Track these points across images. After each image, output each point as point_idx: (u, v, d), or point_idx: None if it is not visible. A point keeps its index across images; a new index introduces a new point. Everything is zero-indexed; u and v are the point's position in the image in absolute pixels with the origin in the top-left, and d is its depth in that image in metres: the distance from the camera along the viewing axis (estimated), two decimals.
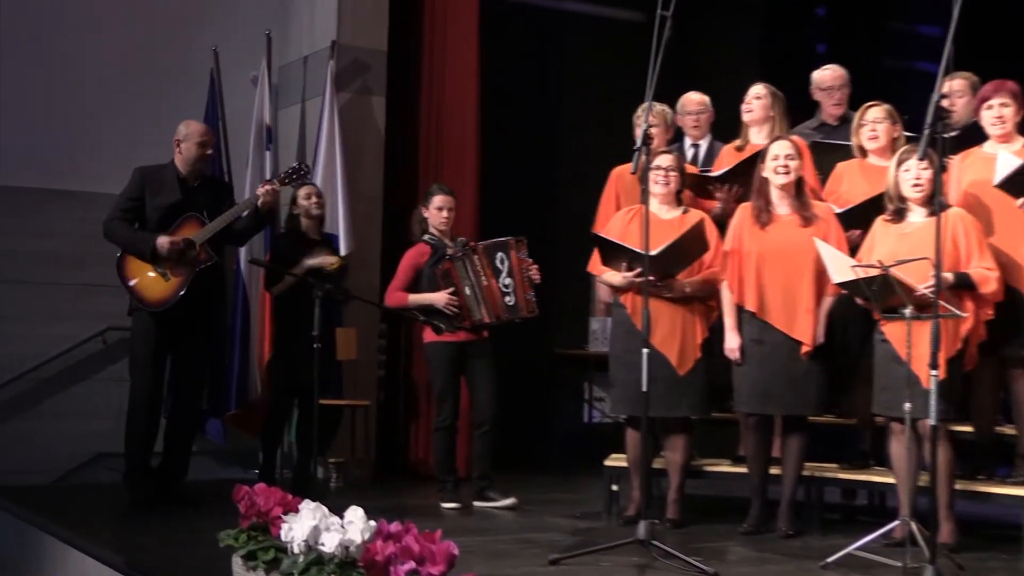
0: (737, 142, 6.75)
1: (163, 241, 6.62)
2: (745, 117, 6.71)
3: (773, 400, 6.01)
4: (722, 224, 6.36)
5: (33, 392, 8.33)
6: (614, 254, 6.12)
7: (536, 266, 6.94)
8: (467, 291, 6.88)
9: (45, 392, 8.37)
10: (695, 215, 6.23)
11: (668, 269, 6.02)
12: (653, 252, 5.88)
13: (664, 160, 6.24)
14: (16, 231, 8.29)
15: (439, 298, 6.87)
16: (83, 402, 8.37)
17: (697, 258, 6.12)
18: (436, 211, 7.06)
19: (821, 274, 5.90)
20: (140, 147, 7.52)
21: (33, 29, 8.50)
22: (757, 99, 6.67)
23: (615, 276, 6.18)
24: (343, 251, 8.11)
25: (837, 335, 6.08)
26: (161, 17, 8.85)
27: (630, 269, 6.05)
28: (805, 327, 5.92)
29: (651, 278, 5.83)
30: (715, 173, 6.58)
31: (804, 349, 5.93)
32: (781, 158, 6.00)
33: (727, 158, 6.71)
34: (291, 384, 7.20)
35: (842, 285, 5.57)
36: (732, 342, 6.07)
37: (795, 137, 6.33)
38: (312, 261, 7.10)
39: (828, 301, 5.96)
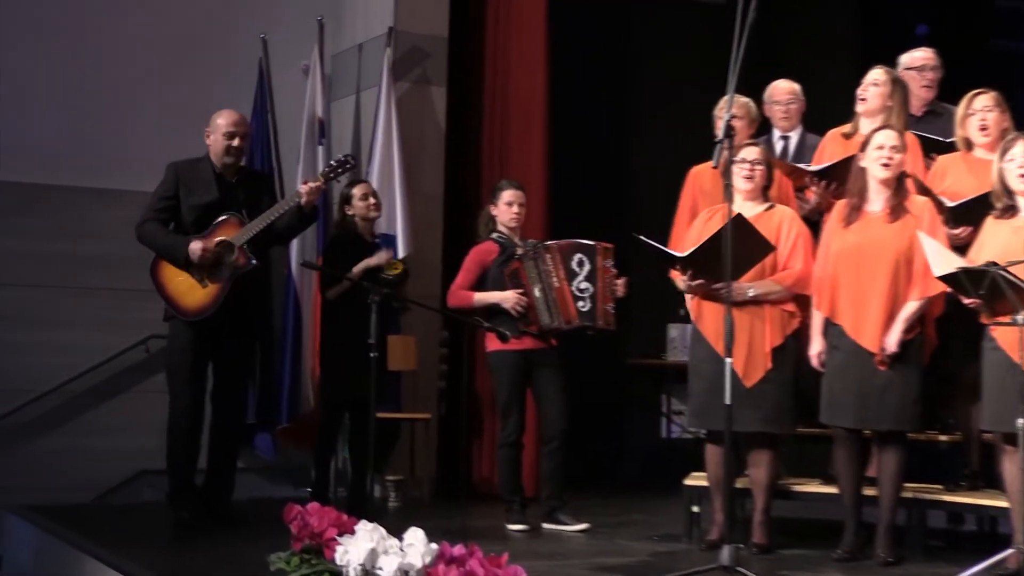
0: (846, 128, 6.56)
1: (196, 248, 6.60)
2: (859, 106, 6.49)
3: (847, 411, 5.92)
4: (817, 222, 6.30)
5: (72, 405, 8.42)
6: (664, 256, 6.13)
7: (623, 280, 6.89)
8: (536, 293, 6.84)
9: (84, 405, 8.45)
10: (779, 212, 6.16)
11: (721, 272, 5.91)
12: (682, 254, 5.90)
13: (749, 152, 6.18)
14: (52, 233, 8.39)
15: (508, 297, 6.85)
16: (125, 416, 8.43)
17: (759, 258, 6.03)
18: (506, 207, 7.03)
19: (902, 276, 5.82)
20: (184, 142, 7.55)
21: (69, 18, 8.59)
22: (875, 86, 6.45)
23: (678, 280, 6.18)
24: (401, 253, 8.11)
25: (938, 341, 5.99)
26: (205, 3, 8.92)
27: (684, 272, 6.04)
28: (874, 333, 5.84)
29: (700, 282, 5.92)
30: (813, 168, 6.47)
31: (876, 358, 5.84)
32: (886, 149, 5.90)
33: (831, 145, 6.57)
34: (341, 396, 7.22)
35: (945, 280, 5.48)
36: (813, 348, 6.04)
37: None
38: (372, 260, 7.12)
39: (912, 307, 5.83)
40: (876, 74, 6.48)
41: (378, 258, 7.17)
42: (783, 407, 6.10)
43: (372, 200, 7.36)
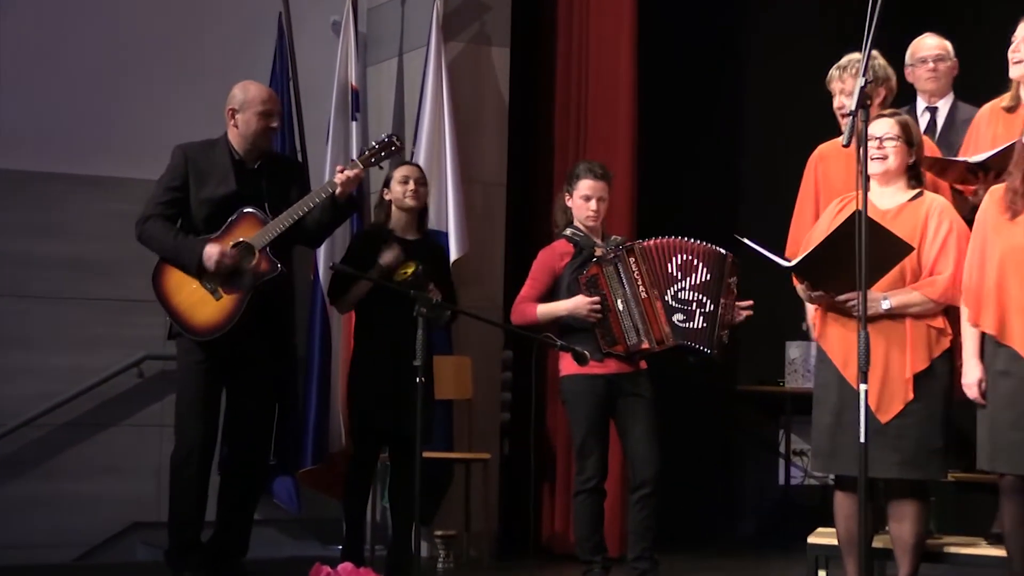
0: (1004, 100, 6.43)
1: (212, 252, 6.65)
2: (1013, 71, 6.33)
3: (1018, 455, 5.76)
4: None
5: (49, 441, 8.44)
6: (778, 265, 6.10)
7: (747, 303, 6.86)
8: (619, 305, 6.81)
9: (65, 441, 8.47)
10: (928, 201, 6.07)
11: (850, 280, 5.82)
12: (789, 263, 5.87)
13: (878, 126, 6.05)
14: (26, 230, 8.42)
15: (579, 304, 6.81)
16: (114, 455, 8.48)
17: (893, 263, 5.93)
18: (581, 201, 6.97)
19: None
20: (186, 118, 7.63)
21: None
22: None
23: (800, 289, 6.15)
24: (454, 254, 8.11)
25: None
26: None
27: (801, 281, 6.02)
28: None
29: (819, 293, 5.86)
30: (973, 158, 6.34)
31: None
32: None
33: (988, 123, 6.46)
34: (373, 429, 7.22)
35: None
36: (970, 375, 5.88)
37: None
38: (382, 258, 7.10)
39: None
40: None
41: (386, 256, 7.11)
42: (929, 447, 6.00)
43: (412, 186, 7.29)
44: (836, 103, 6.55)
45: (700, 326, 6.79)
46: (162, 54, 8.72)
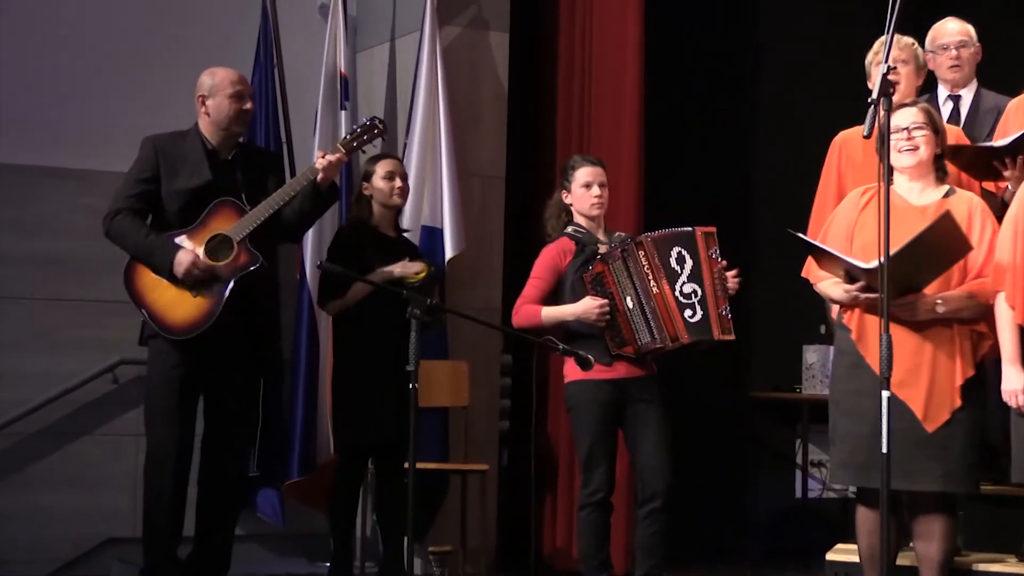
0: None
1: (183, 261, 6.62)
2: None
3: None
4: None
5: (19, 451, 8.39)
6: (828, 259, 6.00)
7: (734, 271, 6.80)
8: (628, 303, 6.75)
9: (35, 451, 8.42)
10: (965, 200, 6.03)
11: (908, 281, 5.82)
12: (869, 265, 5.77)
13: (904, 116, 6.03)
14: None
15: (588, 309, 6.74)
16: (87, 466, 8.43)
17: (952, 263, 5.91)
18: (583, 190, 6.94)
19: None
20: (165, 109, 7.57)
21: None
22: None
23: (835, 288, 6.05)
24: (450, 252, 8.11)
25: None
26: None
27: (853, 280, 5.91)
28: None
29: (876, 295, 5.72)
30: (998, 143, 6.34)
31: None
32: None
33: (1015, 115, 6.46)
34: (361, 437, 7.18)
35: None
36: (1013, 381, 5.80)
37: None
38: (393, 269, 7.06)
39: None
40: None
41: (403, 267, 7.12)
42: (968, 459, 5.97)
43: (398, 183, 7.31)
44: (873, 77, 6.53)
45: (701, 314, 6.74)
46: (138, 41, 8.68)
